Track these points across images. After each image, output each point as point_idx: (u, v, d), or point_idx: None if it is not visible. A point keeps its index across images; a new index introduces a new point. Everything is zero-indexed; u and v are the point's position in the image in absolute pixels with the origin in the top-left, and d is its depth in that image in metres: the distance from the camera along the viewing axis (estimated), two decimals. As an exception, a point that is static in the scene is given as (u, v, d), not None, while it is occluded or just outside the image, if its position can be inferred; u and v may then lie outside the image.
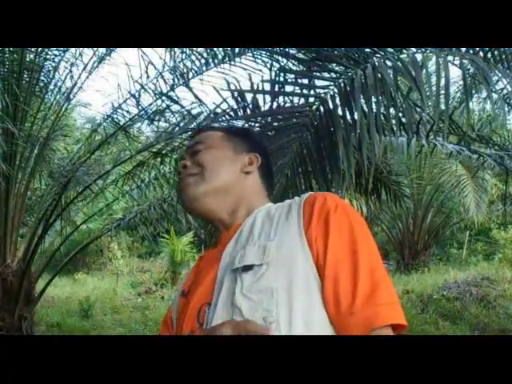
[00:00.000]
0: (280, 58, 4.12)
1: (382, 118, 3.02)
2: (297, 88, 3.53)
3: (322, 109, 3.20)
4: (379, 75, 2.97)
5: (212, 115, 4.79)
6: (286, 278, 1.17)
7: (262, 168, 1.49)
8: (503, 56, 3.83)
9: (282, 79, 3.61)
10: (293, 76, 3.65)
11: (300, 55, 3.65)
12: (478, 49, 3.54)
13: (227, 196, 1.42)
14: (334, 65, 3.39)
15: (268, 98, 3.73)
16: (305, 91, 3.48)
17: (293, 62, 3.90)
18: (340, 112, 3.08)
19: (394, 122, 3.77)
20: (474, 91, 5.90)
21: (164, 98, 5.87)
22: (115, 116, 6.61)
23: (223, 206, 1.42)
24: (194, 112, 5.35)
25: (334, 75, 3.29)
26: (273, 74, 3.94)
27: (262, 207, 1.40)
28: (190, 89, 5.52)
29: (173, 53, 5.61)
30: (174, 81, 5.76)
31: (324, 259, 1.19)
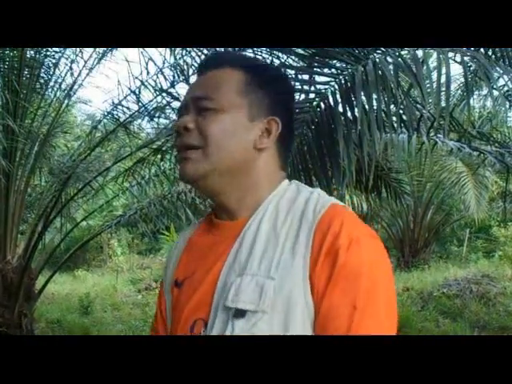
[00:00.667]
0: (280, 54, 4.12)
1: (383, 114, 3.01)
2: (297, 84, 3.53)
3: (322, 105, 3.20)
4: (380, 72, 2.96)
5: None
6: (282, 329, 1.06)
7: (281, 138, 1.23)
8: (504, 53, 3.82)
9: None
10: (293, 72, 3.65)
11: (300, 51, 3.64)
12: (478, 46, 3.53)
13: (233, 179, 1.20)
14: (335, 61, 3.38)
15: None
16: (305, 87, 3.47)
17: (293, 58, 3.90)
18: (340, 108, 3.08)
19: (394, 118, 3.77)
20: (474, 88, 5.89)
21: (164, 94, 5.87)
22: (115, 113, 6.61)
23: (228, 190, 1.21)
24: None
25: (334, 71, 3.29)
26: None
27: (272, 198, 1.20)
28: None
29: (173, 49, 5.60)
30: (173, 77, 5.75)
31: (319, 306, 1.07)
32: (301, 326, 1.07)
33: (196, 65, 5.45)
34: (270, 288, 1.07)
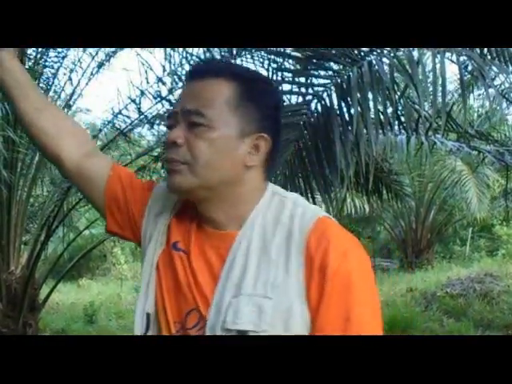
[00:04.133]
0: (276, 58, 4.13)
1: (380, 115, 3.03)
2: (294, 87, 3.54)
3: (319, 107, 3.21)
4: (376, 73, 2.98)
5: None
6: None
7: (269, 152, 1.23)
8: (499, 52, 3.84)
9: (279, 78, 3.61)
10: (290, 75, 3.66)
11: (296, 54, 3.66)
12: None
13: (220, 193, 1.20)
14: (332, 63, 3.40)
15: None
16: (302, 90, 3.48)
17: (289, 61, 3.92)
18: (337, 110, 3.09)
19: (391, 120, 3.78)
20: (472, 88, 5.91)
21: (164, 101, 5.89)
22: (116, 121, 6.62)
23: (215, 202, 1.22)
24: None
25: (330, 73, 3.30)
26: (270, 73, 3.95)
27: (258, 211, 1.20)
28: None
29: (172, 56, 5.61)
30: (172, 84, 5.76)
31: (315, 322, 1.10)
32: None
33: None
34: (268, 308, 1.10)
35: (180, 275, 1.23)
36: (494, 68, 3.45)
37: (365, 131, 2.92)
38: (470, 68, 3.88)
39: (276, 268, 1.13)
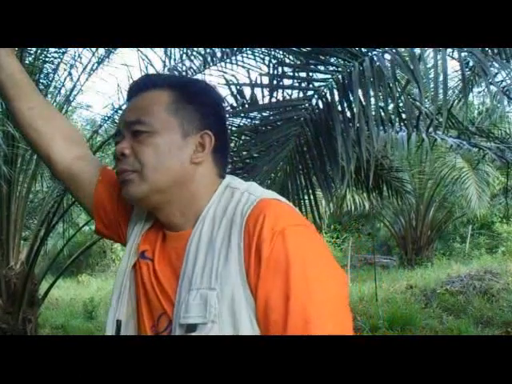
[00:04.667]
0: (277, 54, 4.12)
1: (381, 111, 3.01)
2: (295, 82, 3.53)
3: (320, 103, 3.20)
4: (377, 69, 2.97)
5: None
6: (233, 334, 1.10)
7: (216, 148, 1.26)
8: (501, 49, 3.83)
9: (279, 73, 3.60)
10: (291, 70, 3.65)
11: (297, 49, 3.64)
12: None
13: (173, 194, 1.24)
14: (333, 59, 3.38)
15: (267, 92, 3.73)
16: (303, 85, 3.47)
17: (290, 57, 3.90)
18: (338, 106, 3.07)
19: (392, 116, 3.77)
20: (472, 85, 5.89)
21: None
22: (116, 117, 6.60)
23: (170, 205, 1.25)
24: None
25: (331, 68, 3.29)
26: (271, 68, 3.94)
27: (210, 208, 1.22)
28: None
29: (172, 53, 5.59)
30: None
31: (257, 303, 1.10)
32: (249, 328, 1.10)
33: (194, 67, 5.46)
34: (212, 299, 1.11)
35: (146, 283, 1.26)
36: (496, 64, 3.44)
37: (366, 127, 2.90)
38: (471, 64, 3.87)
39: (219, 258, 1.14)
